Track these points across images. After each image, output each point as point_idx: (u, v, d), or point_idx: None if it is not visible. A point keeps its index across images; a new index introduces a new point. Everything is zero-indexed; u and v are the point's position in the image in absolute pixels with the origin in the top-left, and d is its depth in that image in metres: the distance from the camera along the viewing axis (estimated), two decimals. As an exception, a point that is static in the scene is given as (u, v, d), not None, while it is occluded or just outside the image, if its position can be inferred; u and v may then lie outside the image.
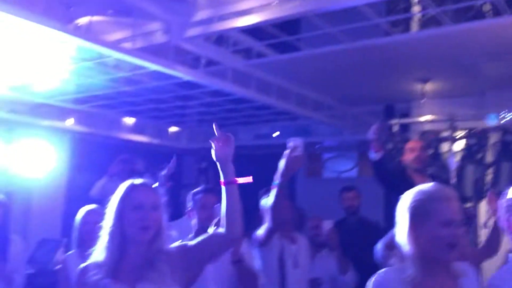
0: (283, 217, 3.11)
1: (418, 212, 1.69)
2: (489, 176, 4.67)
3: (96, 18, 3.67)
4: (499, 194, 2.01)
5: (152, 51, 3.70)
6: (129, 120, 6.40)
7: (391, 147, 4.84)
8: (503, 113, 4.55)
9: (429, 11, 3.66)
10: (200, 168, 7.18)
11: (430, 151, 4.48)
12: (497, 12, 3.52)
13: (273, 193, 2.86)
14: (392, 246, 2.80)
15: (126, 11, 3.69)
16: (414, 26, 4.22)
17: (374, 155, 3.62)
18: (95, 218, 3.33)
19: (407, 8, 4.28)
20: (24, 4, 2.85)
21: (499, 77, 4.62)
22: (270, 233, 3.10)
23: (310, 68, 4.64)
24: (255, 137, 6.98)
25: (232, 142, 1.99)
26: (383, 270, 1.81)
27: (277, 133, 6.80)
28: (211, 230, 2.52)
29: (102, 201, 4.70)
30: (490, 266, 2.75)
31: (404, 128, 5.28)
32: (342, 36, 3.80)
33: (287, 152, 2.76)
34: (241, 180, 2.00)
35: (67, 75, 4.23)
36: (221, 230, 1.95)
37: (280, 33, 4.04)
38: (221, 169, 1.98)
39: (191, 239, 2.78)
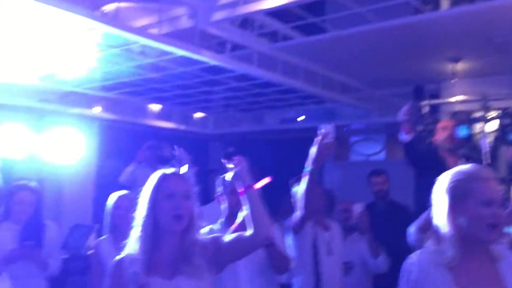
0: (316, 205, 3.10)
1: (457, 193, 1.66)
2: (523, 158, 4.55)
3: (122, 4, 3.67)
4: None
5: (178, 37, 3.68)
6: (155, 107, 6.44)
7: (422, 129, 4.74)
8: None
9: (461, -13, 3.55)
10: (227, 153, 7.19)
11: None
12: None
13: (304, 180, 2.84)
14: (425, 228, 2.77)
15: (152, -3, 3.69)
16: (445, 3, 4.09)
17: (405, 137, 3.56)
18: (126, 204, 3.37)
19: (438, -15, 4.15)
20: (51, -9, 2.86)
21: (533, 55, 4.48)
22: (303, 220, 3.09)
23: (337, 50, 4.57)
24: (281, 122, 6.94)
25: (245, 164, 2.08)
26: (418, 251, 1.78)
27: (303, 117, 6.75)
28: (241, 215, 2.51)
29: (131, 187, 4.80)
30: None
31: (434, 109, 5.16)
32: (369, 16, 3.72)
33: (318, 138, 2.73)
34: (259, 184, 2.05)
35: (94, 63, 4.26)
36: (249, 231, 1.97)
37: (306, 15, 3.98)
38: (238, 182, 2.04)
39: (221, 224, 2.81)
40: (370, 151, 7.24)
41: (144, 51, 4.22)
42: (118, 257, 1.94)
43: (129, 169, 5.42)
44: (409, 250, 3.64)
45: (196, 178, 2.08)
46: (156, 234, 1.90)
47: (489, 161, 3.89)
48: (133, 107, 6.15)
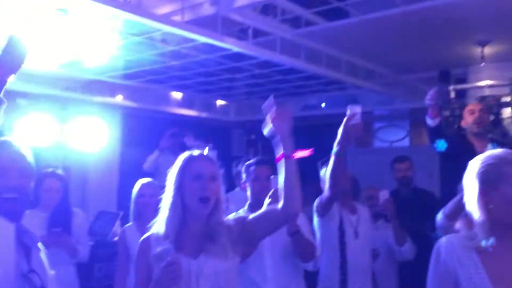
0: (342, 187, 3.07)
1: (489, 177, 1.62)
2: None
3: (144, -9, 3.66)
4: None
5: (200, 24, 3.66)
6: (177, 95, 6.45)
7: (448, 114, 4.65)
8: None
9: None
10: (249, 140, 7.19)
11: (491, 117, 4.27)
12: None
13: (331, 161, 2.82)
14: (453, 215, 2.72)
15: (173, -16, 3.67)
16: (473, -15, 3.98)
17: (431, 122, 3.48)
18: (149, 191, 3.40)
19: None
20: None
21: None
22: (329, 202, 3.06)
23: (360, 35, 4.49)
24: (303, 108, 6.89)
25: (289, 115, 1.93)
26: (447, 236, 1.75)
27: (324, 104, 6.70)
28: (266, 202, 2.50)
29: (154, 175, 4.83)
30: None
31: (461, 94, 5.06)
32: (394, -1, 3.65)
33: (345, 119, 2.70)
34: (299, 154, 1.96)
35: (117, 51, 4.27)
36: (279, 204, 1.93)
37: (329, -1, 3.91)
38: (278, 143, 1.92)
39: (246, 212, 2.80)
40: (394, 137, 7.16)
41: (165, 39, 4.21)
42: (144, 236, 1.97)
43: (152, 156, 5.46)
44: (433, 237, 3.61)
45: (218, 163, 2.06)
46: (183, 215, 1.91)
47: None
48: (155, 95, 6.17)
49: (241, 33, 4.31)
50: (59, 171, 3.72)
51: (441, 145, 3.51)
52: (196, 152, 2.00)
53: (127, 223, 3.55)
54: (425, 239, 3.87)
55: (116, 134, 5.84)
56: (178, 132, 5.72)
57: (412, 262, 3.71)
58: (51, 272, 1.73)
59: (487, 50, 4.66)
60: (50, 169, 3.65)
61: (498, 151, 1.69)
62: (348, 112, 2.70)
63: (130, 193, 3.49)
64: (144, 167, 5.39)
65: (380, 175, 4.74)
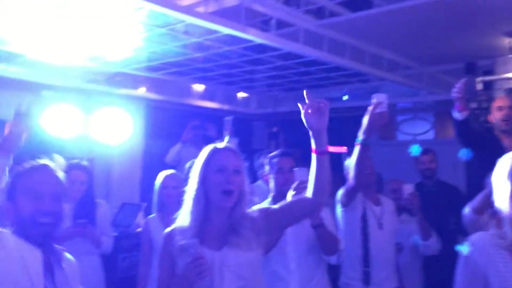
0: (366, 177, 3.04)
1: None
2: None
3: (168, -17, 3.65)
4: None
5: (224, 15, 3.64)
6: (199, 87, 6.46)
7: (475, 106, 4.56)
8: None
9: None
10: (271, 133, 7.16)
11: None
12: None
13: (356, 150, 2.79)
14: (480, 210, 2.67)
15: (196, -25, 3.65)
16: (502, -27, 3.87)
17: (458, 115, 3.42)
18: (173, 183, 3.42)
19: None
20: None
21: None
22: (353, 191, 3.04)
23: (385, 26, 4.41)
24: (326, 100, 6.82)
25: (326, 109, 1.91)
26: (479, 233, 1.72)
27: (346, 96, 6.62)
28: (290, 193, 2.49)
29: (177, 167, 4.85)
30: None
31: (488, 86, 4.95)
32: (420, -12, 3.57)
33: (370, 108, 2.67)
34: (333, 149, 1.94)
35: (140, 43, 4.29)
36: (308, 195, 1.92)
37: (354, -11, 3.85)
38: (314, 138, 1.91)
39: (269, 204, 2.80)
40: (418, 130, 7.05)
41: (188, 31, 4.21)
42: (168, 229, 1.98)
43: (175, 149, 5.50)
44: (458, 231, 3.55)
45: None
46: (207, 208, 1.92)
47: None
48: (178, 87, 6.19)
49: (264, 24, 4.27)
50: (85, 163, 3.76)
51: (466, 154, 3.46)
52: (220, 145, 2.00)
53: (150, 214, 3.58)
54: (448, 233, 3.82)
55: (139, 126, 5.88)
56: (200, 125, 5.74)
57: (436, 256, 3.66)
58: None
59: (516, 40, 4.54)
60: (76, 161, 3.69)
61: None
62: (374, 100, 2.67)
63: (153, 185, 3.51)
64: (167, 159, 5.43)
65: (403, 169, 4.69)
